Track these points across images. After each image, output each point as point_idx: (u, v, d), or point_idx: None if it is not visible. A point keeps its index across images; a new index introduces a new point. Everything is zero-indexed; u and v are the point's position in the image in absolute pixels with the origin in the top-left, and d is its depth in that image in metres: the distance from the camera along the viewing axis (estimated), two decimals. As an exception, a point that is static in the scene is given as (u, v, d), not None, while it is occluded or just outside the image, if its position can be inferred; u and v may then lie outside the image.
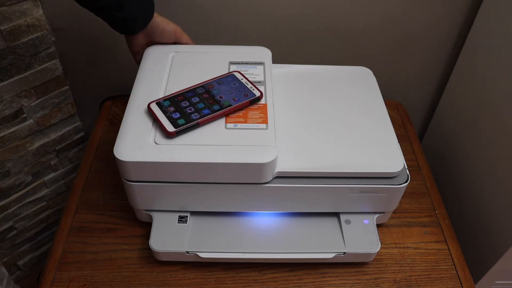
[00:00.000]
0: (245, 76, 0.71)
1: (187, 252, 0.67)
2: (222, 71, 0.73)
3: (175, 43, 0.78)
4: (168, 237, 0.68)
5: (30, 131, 0.96)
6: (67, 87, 0.98)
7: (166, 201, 0.68)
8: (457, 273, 0.72)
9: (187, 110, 0.65)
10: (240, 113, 0.67)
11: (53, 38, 0.90)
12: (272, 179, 0.64)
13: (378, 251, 0.69)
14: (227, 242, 0.69)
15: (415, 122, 1.14)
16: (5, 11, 0.80)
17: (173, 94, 0.68)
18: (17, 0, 0.80)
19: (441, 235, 0.77)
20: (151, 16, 0.73)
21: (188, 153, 0.61)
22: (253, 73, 0.74)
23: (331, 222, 0.72)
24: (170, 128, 0.62)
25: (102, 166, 0.85)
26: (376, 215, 0.72)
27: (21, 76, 0.88)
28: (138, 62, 0.78)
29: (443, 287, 0.71)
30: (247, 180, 0.63)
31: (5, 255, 1.09)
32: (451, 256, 0.75)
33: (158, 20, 0.75)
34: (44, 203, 1.09)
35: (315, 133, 0.70)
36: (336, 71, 0.82)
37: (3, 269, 0.80)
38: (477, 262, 0.86)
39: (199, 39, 0.95)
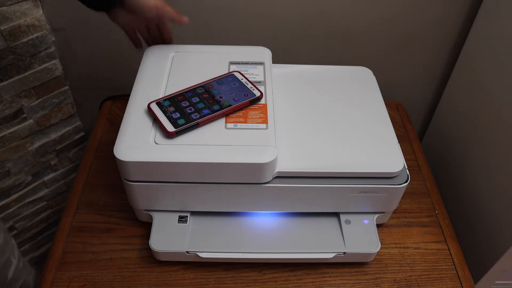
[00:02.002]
0: (245, 76, 0.71)
1: (187, 252, 0.67)
2: (222, 71, 0.73)
3: (160, 18, 0.74)
4: (168, 237, 0.68)
5: (30, 131, 0.96)
6: (67, 87, 0.98)
7: (166, 201, 0.68)
8: (457, 273, 0.72)
9: (187, 110, 0.65)
10: (240, 113, 0.67)
11: (53, 38, 0.90)
12: (272, 179, 0.64)
13: (378, 251, 0.69)
14: (227, 242, 0.69)
15: (415, 122, 1.14)
16: (5, 11, 0.80)
17: (173, 94, 0.68)
18: (17, 0, 0.80)
19: (441, 235, 0.77)
20: None
21: (188, 153, 0.61)
22: (253, 73, 0.74)
23: (331, 222, 0.72)
24: (170, 128, 0.62)
25: (102, 166, 0.85)
26: (376, 215, 0.72)
27: (21, 76, 0.88)
28: (127, 33, 0.75)
29: (443, 287, 0.71)
30: (247, 180, 0.63)
31: (5, 255, 1.09)
32: (451, 256, 0.75)
33: None
34: (44, 203, 1.09)
35: (315, 133, 0.70)
36: (336, 71, 0.82)
37: (12, 242, 0.81)
38: (477, 262, 0.86)
39: (199, 39, 0.95)
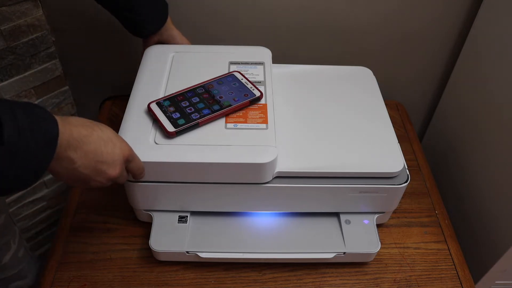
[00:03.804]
0: (245, 76, 0.71)
1: (187, 252, 0.67)
2: (222, 71, 0.73)
3: None
4: (168, 237, 0.68)
5: (30, 131, 0.96)
6: (67, 87, 0.98)
7: (166, 201, 0.68)
8: (457, 273, 0.72)
9: (187, 110, 0.65)
10: (240, 113, 0.67)
11: (53, 38, 0.90)
12: (272, 179, 0.64)
13: (378, 251, 0.69)
14: (227, 242, 0.69)
15: (415, 122, 1.14)
16: (5, 11, 0.80)
17: (173, 94, 0.68)
18: (17, 0, 0.80)
19: (441, 235, 0.77)
20: (161, 23, 0.76)
21: (188, 153, 0.61)
22: (253, 73, 0.74)
23: (331, 222, 0.72)
24: (170, 128, 0.62)
25: (102, 166, 0.84)
26: (376, 215, 0.72)
27: (21, 76, 0.88)
28: None
29: (443, 287, 0.71)
30: (247, 180, 0.63)
31: (5, 255, 1.09)
32: (451, 256, 0.75)
33: (175, 33, 0.78)
34: (44, 203, 1.09)
35: (315, 133, 0.70)
36: (336, 71, 0.82)
37: (15, 227, 0.81)
38: (477, 262, 0.86)
39: (199, 38, 0.95)
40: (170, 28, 0.78)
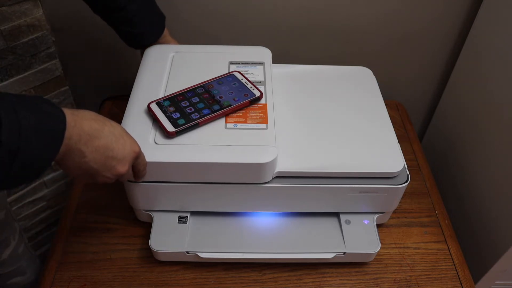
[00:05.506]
0: (245, 76, 0.71)
1: (187, 252, 0.67)
2: (222, 71, 0.73)
3: None
4: (168, 237, 0.68)
5: (30, 131, 0.96)
6: (67, 87, 0.98)
7: (166, 201, 0.68)
8: (457, 273, 0.72)
9: (187, 110, 0.65)
10: (240, 113, 0.67)
11: (53, 38, 0.90)
12: (272, 179, 0.64)
13: (378, 251, 0.69)
14: (227, 242, 0.69)
15: (415, 122, 1.14)
16: (5, 11, 0.80)
17: (173, 94, 0.68)
18: (17, 0, 0.80)
19: (441, 235, 0.77)
20: (158, 36, 0.77)
21: (188, 153, 0.61)
22: (253, 73, 0.74)
23: (331, 222, 0.72)
24: (170, 128, 0.62)
25: (102, 166, 0.84)
26: (376, 215, 0.72)
27: (21, 76, 0.88)
28: None
29: (443, 287, 0.71)
30: (247, 180, 0.63)
31: (5, 255, 1.09)
32: (451, 256, 0.75)
33: (172, 43, 0.80)
34: (44, 203, 1.09)
35: (315, 133, 0.70)
36: (336, 71, 0.82)
37: (15, 224, 0.81)
38: (477, 262, 0.86)
39: (199, 38, 0.95)
40: (167, 40, 0.79)
